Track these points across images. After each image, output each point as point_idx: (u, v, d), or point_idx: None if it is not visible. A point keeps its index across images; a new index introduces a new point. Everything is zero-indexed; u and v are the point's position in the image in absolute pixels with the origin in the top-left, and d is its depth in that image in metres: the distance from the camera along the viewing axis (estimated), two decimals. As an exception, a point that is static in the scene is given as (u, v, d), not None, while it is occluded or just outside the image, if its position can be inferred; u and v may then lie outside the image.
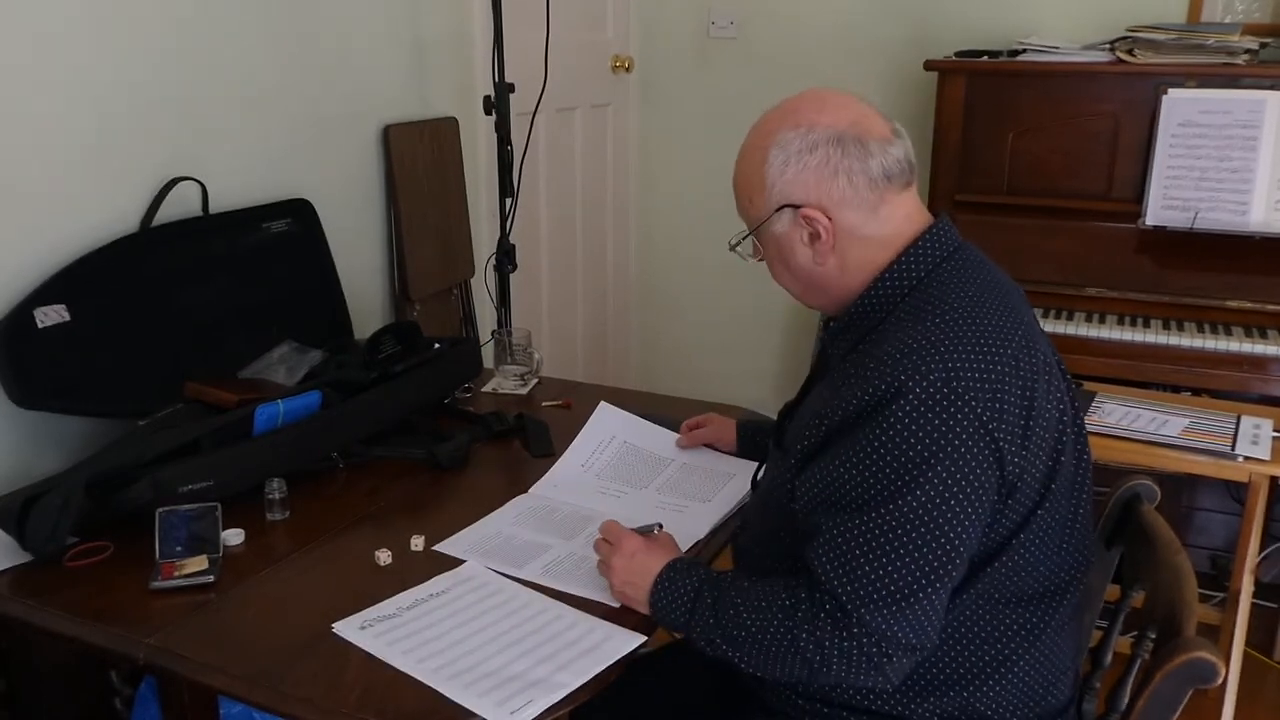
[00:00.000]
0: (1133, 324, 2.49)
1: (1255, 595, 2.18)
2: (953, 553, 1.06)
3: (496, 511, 1.52)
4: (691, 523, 1.48)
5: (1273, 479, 2.00)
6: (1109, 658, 1.34)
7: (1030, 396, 1.09)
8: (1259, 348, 2.36)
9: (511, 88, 2.32)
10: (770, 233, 1.22)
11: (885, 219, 1.19)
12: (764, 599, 1.14)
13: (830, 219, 1.17)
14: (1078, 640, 1.26)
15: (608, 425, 1.72)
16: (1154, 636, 1.19)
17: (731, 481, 1.59)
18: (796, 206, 1.18)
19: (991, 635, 1.15)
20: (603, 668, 1.15)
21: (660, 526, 1.37)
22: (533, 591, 1.30)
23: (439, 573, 1.34)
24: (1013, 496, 1.10)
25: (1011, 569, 1.13)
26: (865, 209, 1.18)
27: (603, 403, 1.76)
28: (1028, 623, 1.15)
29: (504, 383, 2.07)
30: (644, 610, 1.24)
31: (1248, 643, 2.18)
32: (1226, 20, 2.75)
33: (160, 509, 1.38)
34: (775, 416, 1.44)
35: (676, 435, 1.72)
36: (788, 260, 1.23)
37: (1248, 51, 2.49)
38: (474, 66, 2.63)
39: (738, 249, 1.28)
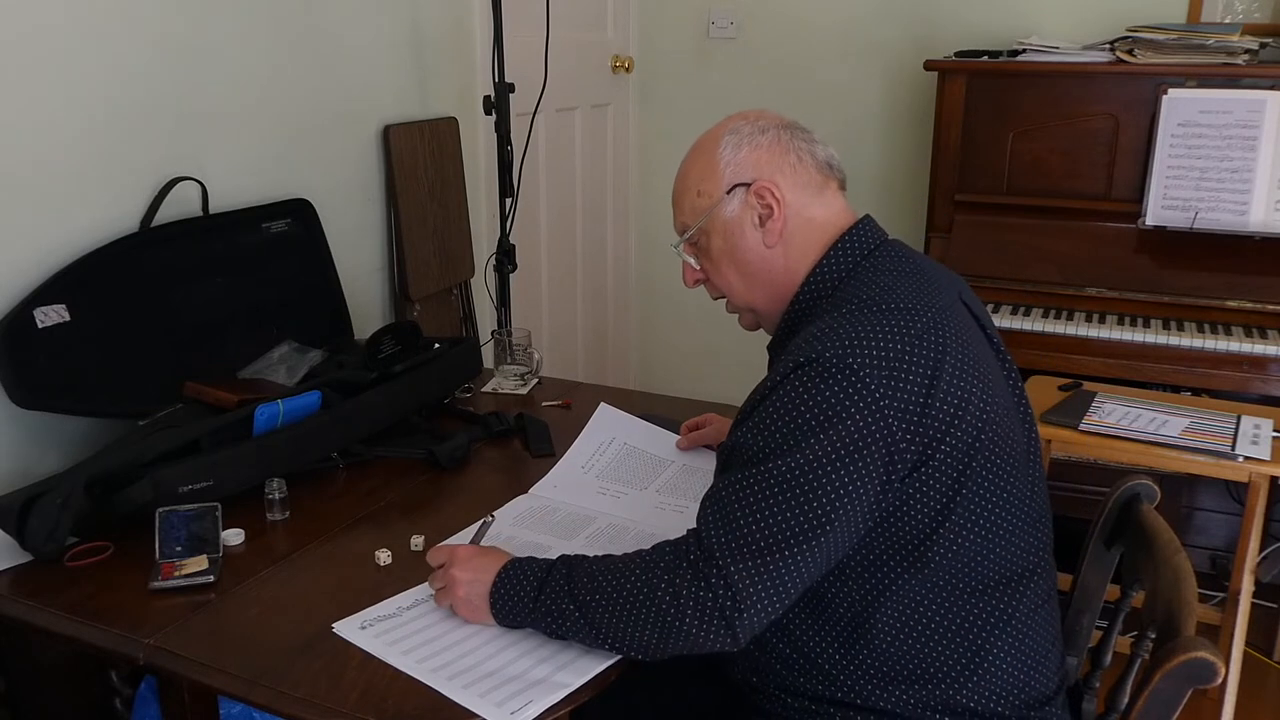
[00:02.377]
0: (1133, 324, 2.49)
1: (1255, 595, 2.18)
2: (825, 518, 1.07)
3: (496, 512, 1.51)
4: (692, 524, 1.47)
5: (1273, 479, 2.00)
6: (1109, 658, 1.34)
7: (933, 375, 1.10)
8: (1259, 348, 2.36)
9: (511, 88, 2.32)
10: (720, 219, 1.27)
11: (828, 204, 1.26)
12: (623, 561, 1.16)
13: (781, 195, 1.23)
14: (1055, 626, 1.26)
15: (608, 427, 1.72)
16: (1154, 636, 1.19)
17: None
18: (749, 184, 1.24)
19: (960, 626, 1.15)
20: (603, 668, 1.15)
21: (492, 517, 1.40)
22: (533, 591, 1.30)
23: (439, 573, 1.34)
24: (919, 472, 1.10)
25: (960, 553, 1.14)
26: (813, 189, 1.25)
27: (603, 404, 1.76)
28: (995, 611, 1.16)
29: (504, 383, 2.07)
30: (485, 613, 1.20)
31: (1248, 643, 2.18)
32: (1226, 20, 2.75)
33: (160, 509, 1.38)
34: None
35: (677, 436, 1.72)
36: (735, 248, 1.27)
37: (1248, 51, 2.49)
38: (474, 66, 2.63)
39: (683, 251, 1.34)
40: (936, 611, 1.15)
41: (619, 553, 1.21)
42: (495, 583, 1.20)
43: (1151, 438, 2.02)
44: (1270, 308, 2.41)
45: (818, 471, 1.07)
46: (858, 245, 1.24)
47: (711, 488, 1.16)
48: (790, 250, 1.25)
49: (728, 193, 1.26)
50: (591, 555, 1.21)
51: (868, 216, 1.28)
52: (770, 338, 1.34)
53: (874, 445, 1.07)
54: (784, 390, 1.11)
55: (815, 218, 1.25)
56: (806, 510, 1.07)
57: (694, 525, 1.15)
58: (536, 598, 1.17)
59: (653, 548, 1.16)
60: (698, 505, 1.52)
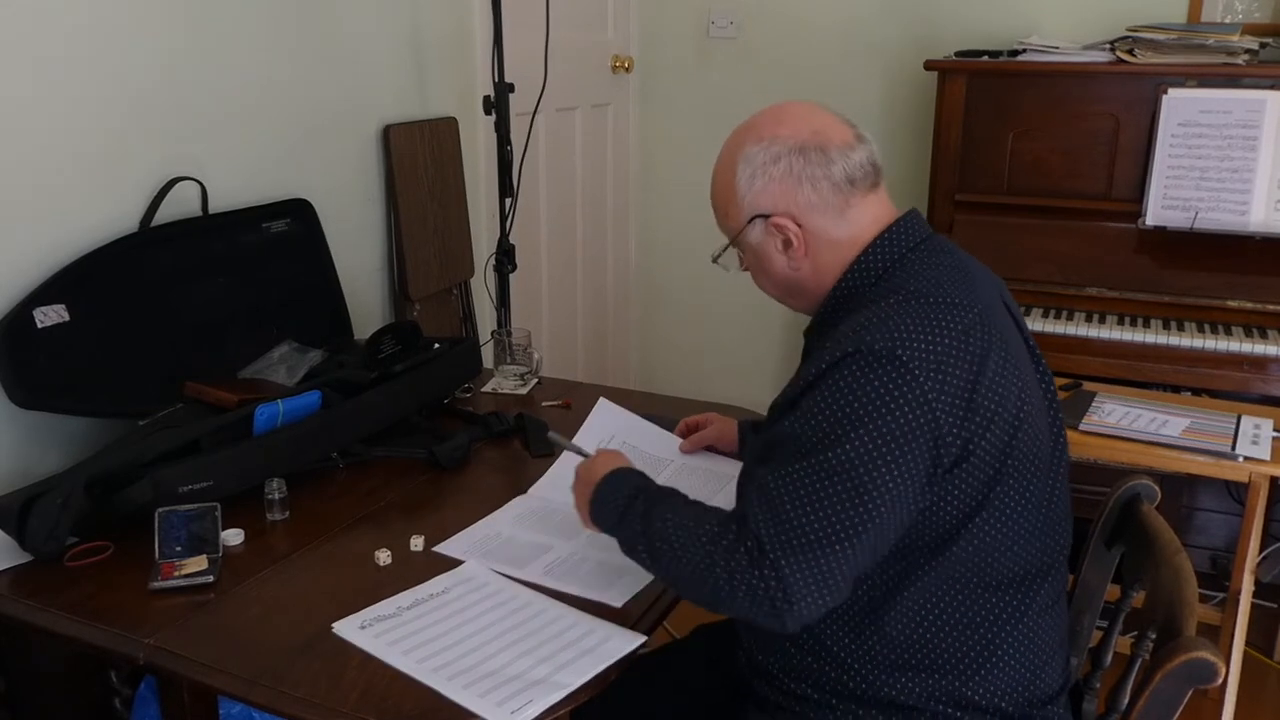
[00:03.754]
0: (1133, 324, 2.49)
1: (1255, 595, 2.18)
2: (873, 510, 1.07)
3: (496, 512, 1.52)
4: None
5: (1273, 479, 2.00)
6: (1109, 658, 1.34)
7: (978, 371, 1.11)
8: (1259, 348, 2.36)
9: (511, 88, 2.32)
10: (747, 243, 1.28)
11: (853, 220, 1.24)
12: (694, 520, 1.17)
13: (800, 225, 1.23)
14: (1063, 627, 1.27)
15: (608, 423, 1.71)
16: (1154, 636, 1.19)
17: (731, 483, 1.59)
18: (766, 216, 1.24)
19: (973, 620, 1.16)
20: (603, 668, 1.15)
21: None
22: (533, 591, 1.30)
23: (439, 573, 1.34)
24: (960, 467, 1.11)
25: (980, 549, 1.14)
26: (832, 213, 1.23)
27: (602, 399, 1.75)
28: (1007, 608, 1.17)
29: (504, 383, 2.07)
30: (586, 518, 1.28)
31: (1248, 643, 2.18)
32: (1226, 20, 2.75)
33: (160, 509, 1.38)
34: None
35: (676, 437, 1.71)
36: (766, 268, 1.29)
37: (1248, 51, 2.49)
38: (474, 66, 2.63)
39: (721, 261, 1.34)
40: (951, 604, 1.16)
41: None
42: (592, 495, 1.27)
43: (1151, 438, 2.01)
44: (1270, 308, 2.41)
45: (866, 464, 1.07)
46: (902, 239, 1.24)
47: (758, 478, 1.15)
48: (818, 266, 1.25)
49: (749, 222, 1.26)
50: (666, 492, 1.24)
51: (914, 211, 1.28)
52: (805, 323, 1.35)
53: (921, 437, 1.08)
54: (831, 380, 1.11)
55: (840, 238, 1.24)
56: (855, 504, 1.07)
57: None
58: (617, 525, 1.24)
59: (722, 520, 1.16)
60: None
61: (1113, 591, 1.41)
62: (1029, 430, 1.15)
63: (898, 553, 1.14)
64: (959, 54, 2.79)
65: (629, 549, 1.22)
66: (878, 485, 1.07)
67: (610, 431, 1.70)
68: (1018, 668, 1.18)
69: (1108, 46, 2.60)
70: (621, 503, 1.23)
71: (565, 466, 1.64)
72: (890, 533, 1.10)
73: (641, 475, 1.29)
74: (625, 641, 1.20)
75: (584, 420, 1.72)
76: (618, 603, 1.27)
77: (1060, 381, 2.31)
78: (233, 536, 1.43)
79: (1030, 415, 1.16)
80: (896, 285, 1.19)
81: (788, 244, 1.24)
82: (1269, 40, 2.54)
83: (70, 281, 1.65)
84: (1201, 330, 2.43)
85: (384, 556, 1.38)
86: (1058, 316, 2.55)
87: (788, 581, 1.07)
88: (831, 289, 1.25)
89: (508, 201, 2.39)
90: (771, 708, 1.25)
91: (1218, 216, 2.46)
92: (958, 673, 1.16)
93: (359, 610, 1.25)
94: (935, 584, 1.15)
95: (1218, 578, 2.61)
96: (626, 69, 3.40)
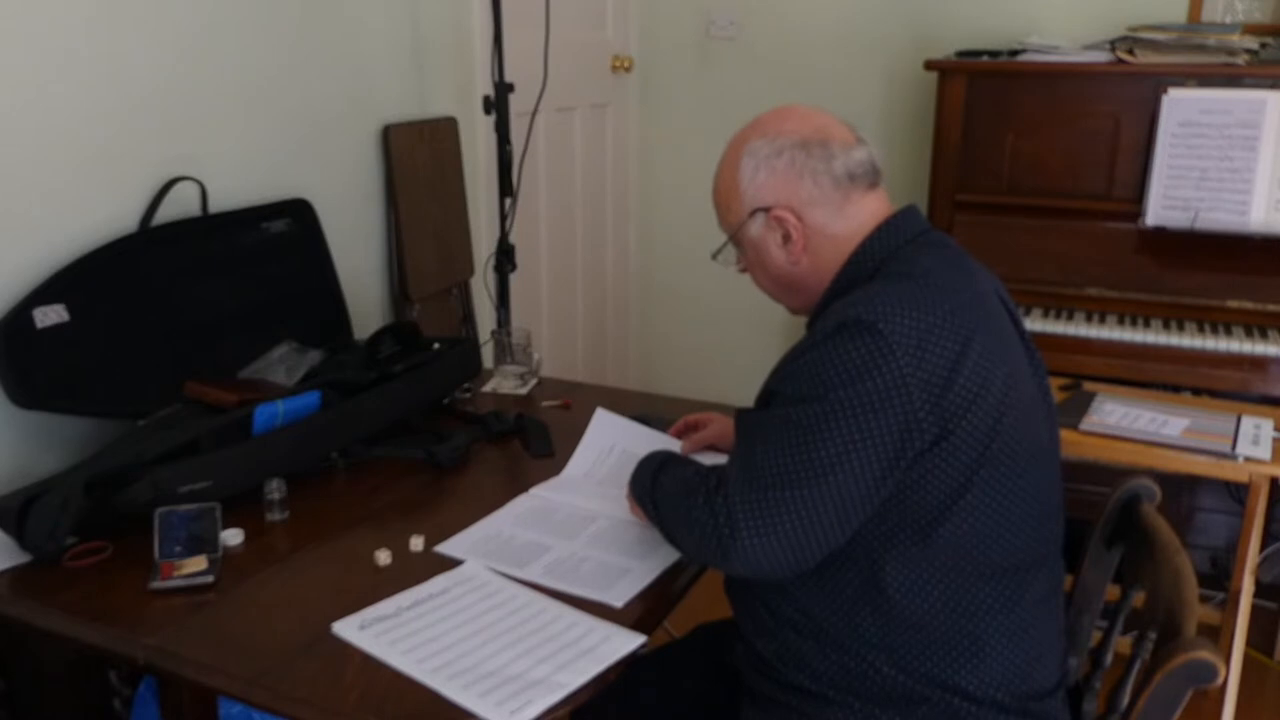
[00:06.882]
0: (1133, 324, 2.49)
1: (1255, 595, 2.18)
2: (827, 466, 1.11)
3: (496, 512, 1.51)
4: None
5: (1273, 479, 2.00)
6: (1109, 658, 1.34)
7: (961, 352, 1.13)
8: (1259, 348, 2.36)
9: (511, 88, 2.32)
10: (747, 238, 1.31)
11: (851, 216, 1.27)
12: (691, 471, 1.28)
13: (800, 219, 1.26)
14: (1059, 624, 1.27)
15: (606, 435, 1.70)
16: (1154, 637, 1.19)
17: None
18: (767, 209, 1.27)
19: (965, 607, 1.17)
20: (603, 668, 1.15)
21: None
22: (533, 592, 1.30)
23: (439, 573, 1.34)
24: (940, 446, 1.12)
25: (970, 535, 1.15)
26: (831, 207, 1.26)
27: (599, 410, 1.74)
28: (999, 597, 1.17)
29: (503, 383, 2.07)
30: (628, 492, 1.42)
31: (1248, 643, 2.17)
32: (1226, 20, 2.75)
33: (160, 509, 1.38)
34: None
35: (676, 440, 1.71)
36: (765, 263, 1.32)
37: (1248, 51, 2.49)
38: (474, 66, 2.63)
39: (720, 258, 1.37)
40: (942, 589, 1.16)
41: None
42: (634, 472, 1.40)
43: (1151, 438, 2.01)
44: (1270, 308, 2.41)
45: (831, 421, 1.11)
46: (900, 231, 1.26)
47: (738, 427, 1.25)
48: (817, 261, 1.28)
49: (750, 215, 1.29)
50: (687, 459, 1.37)
51: (913, 206, 1.30)
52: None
53: (892, 408, 1.10)
54: (820, 348, 1.15)
55: (838, 233, 1.27)
56: (811, 454, 1.11)
57: None
58: (638, 481, 1.37)
59: (711, 469, 1.26)
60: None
61: (1113, 591, 1.41)
62: (1017, 417, 1.16)
63: (885, 533, 1.16)
64: (959, 54, 2.79)
65: (642, 502, 1.35)
66: (837, 443, 1.11)
67: (610, 442, 1.69)
68: (1010, 659, 1.18)
69: (1108, 46, 2.60)
70: (647, 470, 1.34)
71: (570, 475, 1.64)
72: (854, 500, 1.12)
73: (657, 455, 1.38)
74: (625, 641, 1.20)
75: (583, 433, 1.70)
76: (618, 603, 1.27)
77: (1060, 381, 2.32)
78: (232, 536, 1.43)
79: (1018, 403, 1.17)
80: (891, 272, 1.21)
81: (787, 238, 1.27)
82: (1269, 40, 2.54)
83: (70, 281, 1.64)
84: (1201, 330, 2.44)
85: (384, 556, 1.38)
86: (1058, 316, 2.55)
87: (735, 514, 1.13)
88: (830, 284, 1.27)
89: (507, 201, 2.39)
90: (771, 705, 1.25)
91: (1218, 216, 2.46)
92: (949, 659, 1.17)
93: (359, 610, 1.25)
94: (926, 567, 1.16)
95: (1218, 578, 2.61)
96: (626, 69, 3.40)
